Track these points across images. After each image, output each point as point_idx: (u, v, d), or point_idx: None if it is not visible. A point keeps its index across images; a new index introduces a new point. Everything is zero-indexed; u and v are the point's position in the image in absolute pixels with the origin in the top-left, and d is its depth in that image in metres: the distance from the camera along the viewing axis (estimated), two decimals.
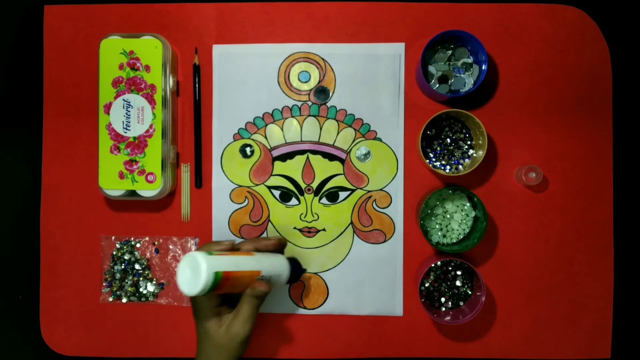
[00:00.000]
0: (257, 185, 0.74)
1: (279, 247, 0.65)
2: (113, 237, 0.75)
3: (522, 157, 0.74)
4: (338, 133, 0.74)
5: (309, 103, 0.74)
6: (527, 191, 0.74)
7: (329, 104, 0.74)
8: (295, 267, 0.66)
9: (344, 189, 0.74)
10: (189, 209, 0.75)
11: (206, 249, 0.60)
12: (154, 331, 0.74)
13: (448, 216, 0.72)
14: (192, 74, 0.75)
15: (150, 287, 0.74)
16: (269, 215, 0.74)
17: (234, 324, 0.60)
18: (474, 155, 0.72)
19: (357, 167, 0.74)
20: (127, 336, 0.74)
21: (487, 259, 0.74)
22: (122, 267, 0.74)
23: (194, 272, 0.53)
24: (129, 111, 0.70)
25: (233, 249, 0.62)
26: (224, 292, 0.58)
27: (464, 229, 0.72)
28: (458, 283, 0.72)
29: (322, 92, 0.74)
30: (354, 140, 0.74)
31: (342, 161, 0.74)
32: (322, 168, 0.74)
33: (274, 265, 0.63)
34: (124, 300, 0.75)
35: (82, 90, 0.75)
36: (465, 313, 0.70)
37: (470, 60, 0.73)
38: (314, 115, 0.74)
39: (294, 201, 0.74)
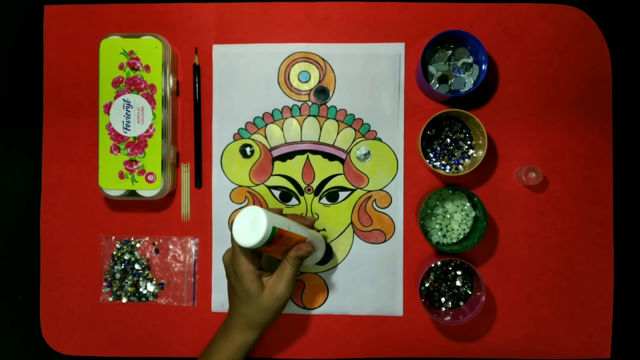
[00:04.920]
0: (257, 185, 0.74)
1: (311, 226, 0.68)
2: (113, 237, 0.75)
3: (522, 157, 0.74)
4: (338, 133, 0.74)
5: (309, 103, 0.74)
6: (527, 191, 0.74)
7: (329, 104, 0.74)
8: (329, 248, 0.70)
9: (344, 189, 0.74)
10: (189, 209, 0.75)
11: None
12: (154, 331, 0.74)
13: (448, 216, 0.72)
14: (192, 74, 0.75)
15: (150, 287, 0.74)
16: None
17: (279, 285, 0.63)
18: (474, 155, 0.72)
19: (357, 167, 0.74)
20: (127, 336, 0.74)
21: (487, 259, 0.74)
22: (122, 267, 0.74)
23: (253, 225, 0.55)
24: (129, 111, 0.70)
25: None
26: (270, 251, 0.60)
27: (464, 229, 0.72)
28: (458, 283, 0.72)
29: (322, 92, 0.74)
30: (354, 140, 0.74)
31: (342, 161, 0.74)
32: (322, 168, 0.74)
33: (316, 237, 0.67)
34: (124, 300, 0.75)
35: (82, 90, 0.75)
36: (465, 313, 0.70)
37: (470, 60, 0.73)
38: (314, 115, 0.74)
39: (294, 201, 0.74)
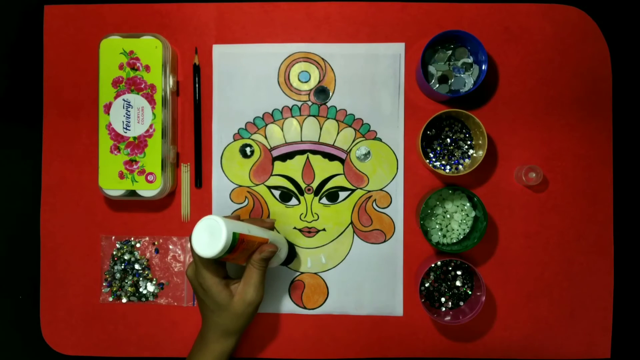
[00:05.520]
0: (257, 185, 0.74)
1: (272, 228, 0.69)
2: (113, 237, 0.75)
3: (522, 157, 0.74)
4: (338, 133, 0.74)
5: (309, 103, 0.74)
6: (527, 191, 0.74)
7: (329, 104, 0.74)
8: (292, 249, 0.72)
9: (344, 189, 0.74)
10: (189, 209, 0.75)
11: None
12: (154, 331, 0.74)
13: (448, 216, 0.72)
14: (192, 74, 0.75)
15: (150, 287, 0.74)
16: (269, 216, 0.74)
17: (248, 291, 0.62)
18: (474, 155, 0.72)
19: (357, 167, 0.74)
20: (127, 336, 0.74)
21: (487, 259, 0.74)
22: (122, 267, 0.74)
23: (212, 234, 0.55)
24: (129, 111, 0.70)
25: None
26: (233, 259, 0.60)
27: (464, 229, 0.72)
28: (458, 283, 0.72)
29: (322, 92, 0.74)
30: (354, 140, 0.74)
31: (342, 161, 0.74)
32: (322, 168, 0.74)
33: (277, 238, 0.67)
34: (124, 300, 0.75)
35: (82, 90, 0.75)
36: (465, 313, 0.70)
37: (470, 60, 0.73)
38: (314, 115, 0.74)
39: (294, 201, 0.74)
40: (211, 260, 0.61)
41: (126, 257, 0.74)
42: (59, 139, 0.75)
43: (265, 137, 0.74)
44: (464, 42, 0.72)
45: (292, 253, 0.72)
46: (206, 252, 0.55)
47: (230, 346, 0.66)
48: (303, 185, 0.74)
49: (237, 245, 0.57)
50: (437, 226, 0.72)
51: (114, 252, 0.74)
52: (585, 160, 0.73)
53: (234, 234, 0.56)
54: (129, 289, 0.74)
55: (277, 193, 0.74)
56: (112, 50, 0.70)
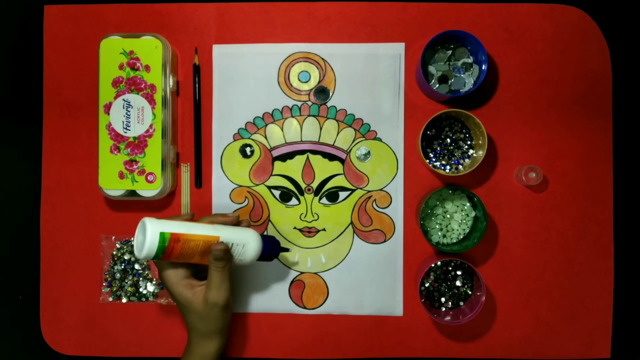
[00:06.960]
0: (257, 185, 0.74)
1: (237, 223, 0.66)
2: (113, 237, 0.75)
3: (522, 157, 0.74)
4: (338, 133, 0.74)
5: (309, 103, 0.74)
6: (527, 191, 0.74)
7: (329, 104, 0.74)
8: (271, 244, 0.67)
9: (344, 189, 0.74)
10: (189, 209, 0.75)
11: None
12: (154, 331, 0.74)
13: (448, 216, 0.72)
14: (192, 74, 0.75)
15: (150, 287, 0.74)
16: (269, 215, 0.74)
17: (209, 292, 0.62)
18: (474, 155, 0.72)
19: (357, 167, 0.74)
20: (127, 336, 0.74)
21: (487, 259, 0.74)
22: (122, 267, 0.74)
23: (144, 235, 0.57)
24: (129, 111, 0.70)
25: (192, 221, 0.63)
26: (177, 257, 0.59)
27: (464, 229, 0.72)
28: (458, 283, 0.72)
29: (322, 92, 0.74)
30: (354, 140, 0.74)
31: (342, 161, 0.74)
32: (322, 168, 0.74)
33: (236, 234, 0.63)
34: (124, 300, 0.75)
35: (82, 90, 0.75)
36: (465, 313, 0.70)
37: (470, 60, 0.73)
38: (314, 115, 0.74)
39: (294, 201, 0.74)
40: (166, 261, 0.61)
41: (126, 257, 0.74)
42: (59, 139, 0.75)
43: (265, 137, 0.74)
44: (464, 42, 0.72)
45: (274, 247, 0.67)
46: (141, 253, 0.56)
47: (212, 348, 0.65)
48: (303, 185, 0.74)
49: (171, 244, 0.57)
50: (437, 226, 0.72)
51: (114, 252, 0.74)
52: (585, 160, 0.74)
53: (162, 234, 0.56)
54: (129, 289, 0.74)
55: (277, 193, 0.74)
56: (112, 50, 0.70)
